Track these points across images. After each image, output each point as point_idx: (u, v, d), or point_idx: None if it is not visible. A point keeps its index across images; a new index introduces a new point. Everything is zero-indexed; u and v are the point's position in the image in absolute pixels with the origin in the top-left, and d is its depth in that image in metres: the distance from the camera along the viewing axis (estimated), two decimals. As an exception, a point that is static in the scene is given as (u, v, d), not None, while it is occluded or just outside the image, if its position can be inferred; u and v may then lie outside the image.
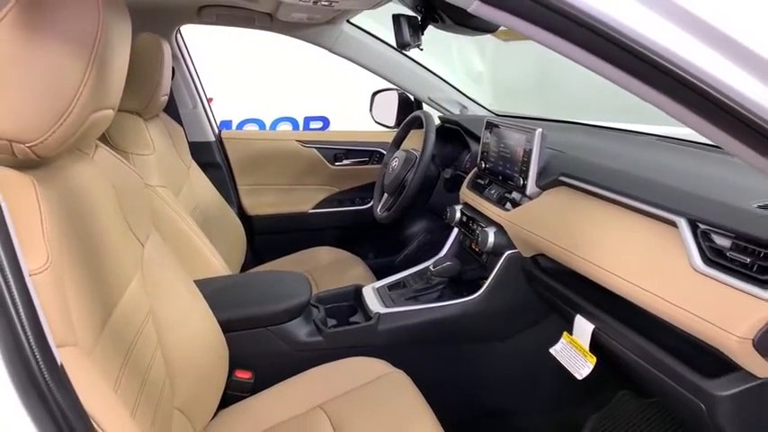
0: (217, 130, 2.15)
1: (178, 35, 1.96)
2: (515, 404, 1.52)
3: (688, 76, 0.51)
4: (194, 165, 1.89)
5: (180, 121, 1.97)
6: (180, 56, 1.97)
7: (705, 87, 0.51)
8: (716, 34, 0.50)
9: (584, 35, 0.51)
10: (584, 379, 1.54)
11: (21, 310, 0.44)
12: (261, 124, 3.60)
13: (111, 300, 0.81)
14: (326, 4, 1.33)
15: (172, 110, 1.94)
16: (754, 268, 0.75)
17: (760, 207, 0.82)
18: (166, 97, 1.64)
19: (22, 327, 0.44)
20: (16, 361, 0.44)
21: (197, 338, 1.08)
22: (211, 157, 2.09)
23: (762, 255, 0.74)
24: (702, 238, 0.83)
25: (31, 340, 0.44)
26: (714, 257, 0.80)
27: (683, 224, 0.86)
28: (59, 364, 0.47)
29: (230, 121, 3.46)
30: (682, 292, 0.82)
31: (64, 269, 0.67)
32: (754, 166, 0.58)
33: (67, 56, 0.66)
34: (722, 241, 0.81)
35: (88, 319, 0.72)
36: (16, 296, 0.44)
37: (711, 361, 0.82)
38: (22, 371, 0.44)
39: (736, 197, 0.86)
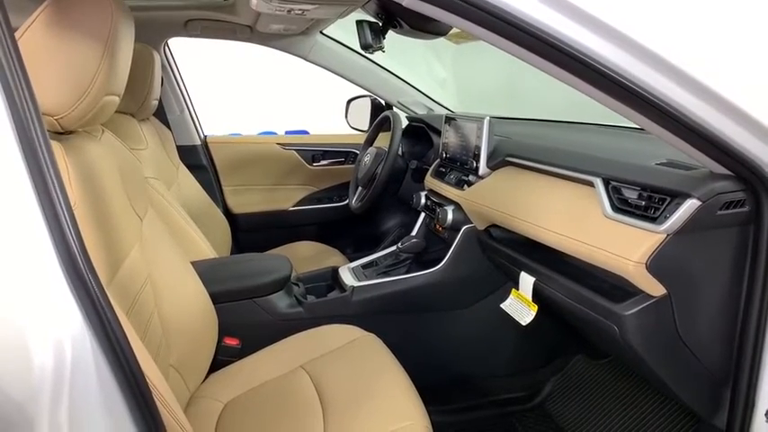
0: (203, 135, 2.29)
1: (166, 47, 2.11)
2: (479, 368, 1.65)
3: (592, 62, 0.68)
4: (182, 166, 2.02)
5: (168, 126, 2.11)
6: (168, 66, 2.11)
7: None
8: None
9: (497, 25, 0.67)
10: (543, 345, 1.70)
11: (72, 230, 0.59)
12: (243, 139, 3.73)
13: (116, 261, 0.93)
14: (299, 12, 1.50)
15: (161, 116, 2.08)
16: (650, 210, 0.92)
17: (657, 164, 0.99)
18: (157, 101, 1.79)
19: (74, 241, 0.59)
20: (70, 267, 0.59)
21: (189, 305, 1.20)
22: (198, 160, 2.23)
23: (656, 199, 0.92)
24: (613, 192, 1.01)
25: (80, 251, 0.60)
26: (620, 205, 0.98)
27: (598, 183, 1.03)
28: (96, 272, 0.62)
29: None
30: (595, 234, 1.00)
31: (83, 220, 0.82)
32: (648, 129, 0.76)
33: (87, 48, 0.82)
34: (629, 193, 0.98)
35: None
36: (70, 223, 0.59)
37: (621, 294, 0.99)
38: (72, 271, 0.59)
39: (641, 160, 1.03)
